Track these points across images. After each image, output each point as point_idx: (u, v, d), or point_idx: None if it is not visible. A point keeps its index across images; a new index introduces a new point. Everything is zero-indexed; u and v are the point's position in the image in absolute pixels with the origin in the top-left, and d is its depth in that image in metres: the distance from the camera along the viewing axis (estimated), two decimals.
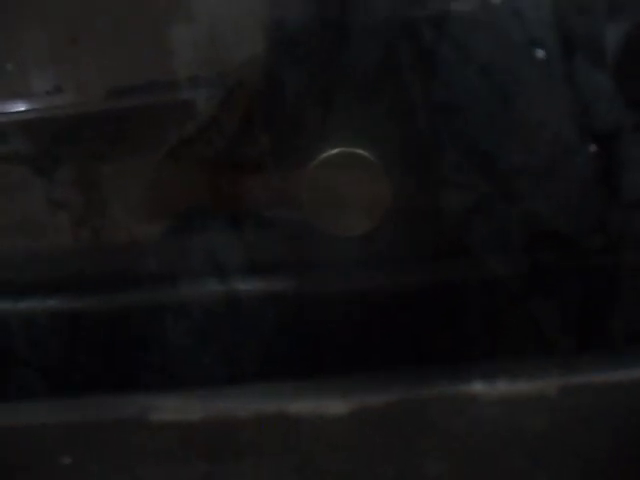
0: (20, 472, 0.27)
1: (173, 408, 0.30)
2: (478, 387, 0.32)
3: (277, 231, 0.49)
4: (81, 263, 0.50)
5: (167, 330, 0.48)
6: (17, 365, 0.45)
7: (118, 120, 0.50)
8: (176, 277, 0.49)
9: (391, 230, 0.47)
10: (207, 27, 0.49)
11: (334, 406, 0.30)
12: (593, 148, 0.45)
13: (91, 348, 0.46)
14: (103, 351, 0.47)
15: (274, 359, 0.45)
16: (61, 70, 0.50)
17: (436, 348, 0.43)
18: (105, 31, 0.49)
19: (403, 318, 0.44)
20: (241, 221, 0.49)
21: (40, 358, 0.45)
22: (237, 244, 0.49)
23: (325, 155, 0.46)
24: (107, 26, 0.49)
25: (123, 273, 0.49)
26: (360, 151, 0.46)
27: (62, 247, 0.51)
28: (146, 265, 0.50)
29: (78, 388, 0.41)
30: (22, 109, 0.51)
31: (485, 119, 0.47)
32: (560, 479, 0.27)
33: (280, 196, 0.49)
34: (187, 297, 0.48)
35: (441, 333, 0.44)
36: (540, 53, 0.44)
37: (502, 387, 0.32)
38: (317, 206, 0.46)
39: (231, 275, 0.48)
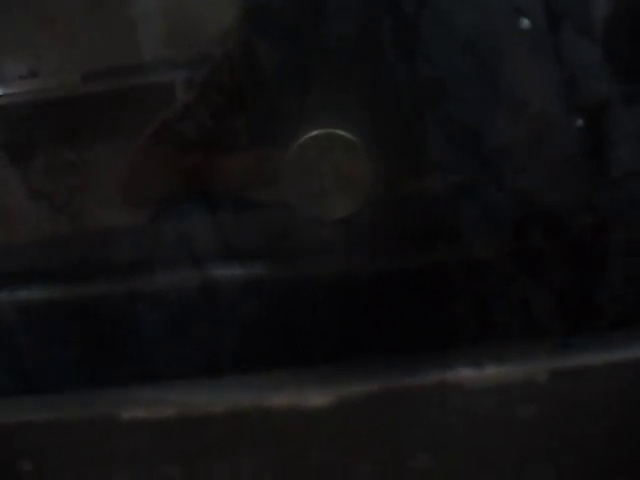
0: None
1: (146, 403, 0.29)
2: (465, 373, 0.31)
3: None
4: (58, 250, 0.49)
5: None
6: None
7: (94, 104, 0.49)
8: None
9: (374, 212, 0.46)
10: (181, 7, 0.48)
11: (313, 398, 0.29)
12: (580, 123, 0.43)
13: (62, 339, 0.45)
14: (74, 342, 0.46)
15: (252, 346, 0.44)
16: (35, 54, 0.49)
17: (422, 332, 0.42)
18: (79, 14, 0.48)
19: (387, 303, 0.43)
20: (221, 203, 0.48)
21: (8, 352, 0.44)
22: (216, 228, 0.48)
23: (306, 136, 0.45)
24: (81, 9, 0.48)
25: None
26: (341, 132, 0.45)
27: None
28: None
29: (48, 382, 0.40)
30: None
31: (469, 94, 0.45)
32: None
33: (261, 178, 0.48)
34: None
35: (427, 316, 0.43)
36: (525, 23, 0.42)
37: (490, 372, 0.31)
38: (298, 189, 0.45)
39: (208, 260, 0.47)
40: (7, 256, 0.48)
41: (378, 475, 0.26)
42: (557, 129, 0.44)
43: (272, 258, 0.46)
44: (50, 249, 0.49)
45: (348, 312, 0.44)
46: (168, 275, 0.47)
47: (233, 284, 0.46)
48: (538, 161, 0.45)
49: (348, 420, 0.28)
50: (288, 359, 0.41)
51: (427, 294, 0.43)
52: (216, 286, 0.47)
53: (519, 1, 0.43)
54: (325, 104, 0.45)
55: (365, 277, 0.45)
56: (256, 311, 0.46)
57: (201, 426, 0.28)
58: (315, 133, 0.44)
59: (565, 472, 0.26)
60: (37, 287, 0.47)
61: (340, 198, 0.45)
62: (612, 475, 0.26)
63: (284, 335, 0.44)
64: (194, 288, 0.47)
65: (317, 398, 0.28)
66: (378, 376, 0.30)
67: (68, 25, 0.47)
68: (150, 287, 0.47)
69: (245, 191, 0.48)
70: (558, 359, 0.31)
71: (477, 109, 0.45)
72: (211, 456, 0.27)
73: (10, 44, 0.48)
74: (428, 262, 0.44)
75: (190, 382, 0.34)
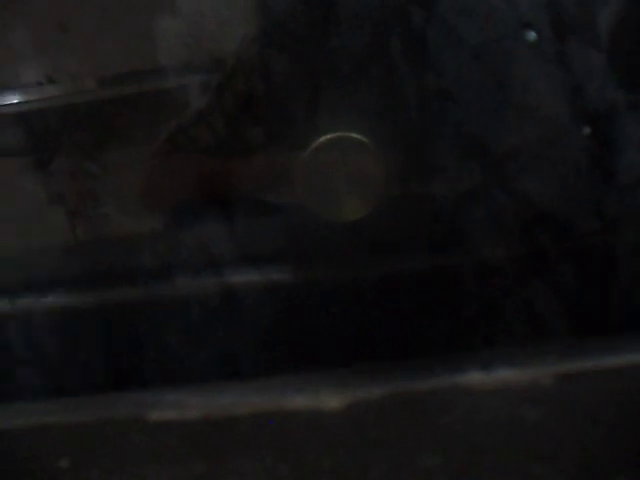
0: (18, 477, 0.27)
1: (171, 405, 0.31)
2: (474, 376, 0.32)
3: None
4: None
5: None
6: (13, 364, 0.45)
7: (112, 109, 0.50)
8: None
9: (384, 216, 0.47)
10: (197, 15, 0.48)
11: (329, 401, 0.30)
12: (587, 130, 0.44)
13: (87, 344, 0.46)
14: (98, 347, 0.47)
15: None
16: (52, 60, 0.49)
17: (432, 336, 0.43)
18: (94, 19, 0.48)
19: (398, 307, 0.44)
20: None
21: (37, 356, 0.45)
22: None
23: (319, 140, 0.46)
24: (96, 13, 0.48)
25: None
26: (354, 135, 0.46)
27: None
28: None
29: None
30: (14, 101, 0.50)
31: (477, 103, 0.46)
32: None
33: (275, 181, 0.49)
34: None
35: (437, 320, 0.44)
36: (532, 35, 0.43)
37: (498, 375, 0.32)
38: (312, 191, 0.46)
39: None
40: (30, 262, 0.49)
41: (391, 476, 0.28)
42: (564, 136, 0.45)
43: (288, 262, 0.47)
44: (69, 255, 0.50)
45: (358, 316, 0.45)
46: (187, 281, 0.48)
47: (250, 289, 0.47)
48: (546, 166, 0.46)
49: (361, 422, 0.29)
50: (303, 363, 0.42)
51: (437, 297, 0.44)
52: (234, 291, 0.47)
53: (526, 14, 0.44)
54: (338, 108, 0.46)
55: (374, 280, 0.45)
56: (273, 316, 0.47)
57: (225, 427, 0.30)
58: (329, 136, 0.45)
59: (570, 474, 0.27)
60: (61, 293, 0.48)
61: (354, 200, 0.46)
62: (615, 477, 0.27)
63: (299, 339, 0.45)
64: (213, 294, 0.47)
65: (332, 401, 0.30)
66: (390, 379, 0.32)
67: (84, 31, 0.48)
68: (170, 293, 0.48)
69: (260, 195, 0.49)
70: (564, 362, 0.32)
71: (484, 115, 0.45)
72: (234, 455, 0.29)
73: (27, 51, 0.48)
74: (437, 265, 0.45)
75: (214, 385, 0.36)
